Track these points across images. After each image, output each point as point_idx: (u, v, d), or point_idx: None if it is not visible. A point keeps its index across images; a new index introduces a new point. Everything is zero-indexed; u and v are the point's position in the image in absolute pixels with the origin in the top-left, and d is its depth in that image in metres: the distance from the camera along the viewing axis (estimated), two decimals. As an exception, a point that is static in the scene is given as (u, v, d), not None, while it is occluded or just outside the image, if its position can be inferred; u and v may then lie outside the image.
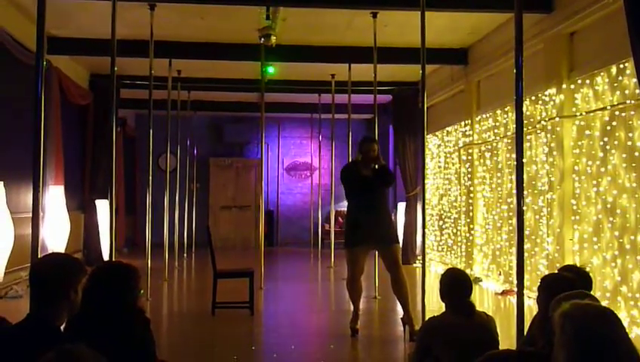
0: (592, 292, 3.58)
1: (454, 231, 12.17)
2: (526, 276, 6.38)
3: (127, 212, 15.80)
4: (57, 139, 10.39)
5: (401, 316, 6.75)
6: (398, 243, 6.89)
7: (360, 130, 16.96)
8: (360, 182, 6.71)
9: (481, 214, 10.85)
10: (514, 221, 8.27)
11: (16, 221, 7.78)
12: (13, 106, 8.82)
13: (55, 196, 10.07)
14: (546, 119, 8.23)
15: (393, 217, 14.58)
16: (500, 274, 9.92)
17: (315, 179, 17.41)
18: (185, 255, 13.69)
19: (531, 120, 8.76)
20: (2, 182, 7.55)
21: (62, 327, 2.78)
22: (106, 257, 9.13)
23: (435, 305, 6.56)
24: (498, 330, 3.90)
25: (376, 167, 6.77)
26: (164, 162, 11.34)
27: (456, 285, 3.84)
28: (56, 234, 9.85)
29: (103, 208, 11.82)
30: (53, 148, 10.17)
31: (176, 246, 12.34)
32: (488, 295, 9.40)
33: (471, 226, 11.09)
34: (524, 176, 5.33)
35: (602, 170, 7.09)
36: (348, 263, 6.78)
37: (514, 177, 4.58)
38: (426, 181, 6.90)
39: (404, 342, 6.44)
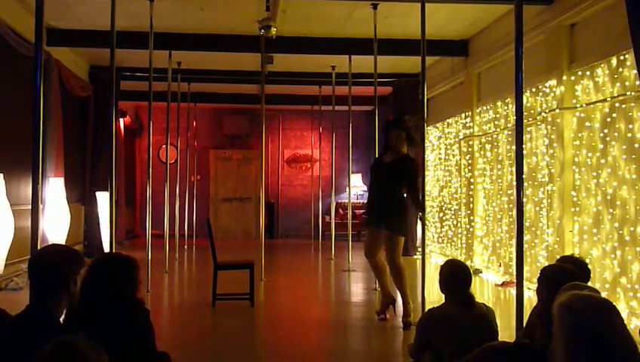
0: (590, 284, 3.59)
1: (455, 222, 12.18)
2: (526, 267, 6.38)
3: (128, 204, 15.81)
4: (58, 131, 10.38)
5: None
6: (403, 235, 6.95)
7: (361, 122, 16.98)
8: (378, 169, 7.01)
9: (482, 206, 10.85)
10: (514, 213, 8.29)
11: (17, 213, 7.79)
12: (13, 98, 8.82)
13: (55, 188, 10.07)
14: (547, 111, 8.22)
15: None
16: (500, 266, 9.94)
17: (315, 171, 17.41)
18: (185, 247, 13.71)
19: (532, 112, 8.75)
20: (2, 174, 7.55)
21: (61, 318, 2.79)
22: (106, 249, 9.15)
23: (435, 297, 6.57)
24: (498, 321, 3.91)
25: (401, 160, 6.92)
26: (164, 154, 11.33)
27: (456, 276, 3.85)
28: (56, 226, 9.86)
29: (103, 200, 11.83)
30: (54, 141, 10.16)
31: (176, 238, 12.35)
32: (488, 286, 9.42)
33: (471, 218, 11.09)
34: (525, 168, 5.34)
35: (602, 161, 7.08)
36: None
37: (514, 169, 4.58)
38: (426, 173, 6.91)
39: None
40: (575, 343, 2.06)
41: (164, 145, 11.90)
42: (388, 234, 6.79)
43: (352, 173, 12.19)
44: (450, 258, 10.15)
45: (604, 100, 7.05)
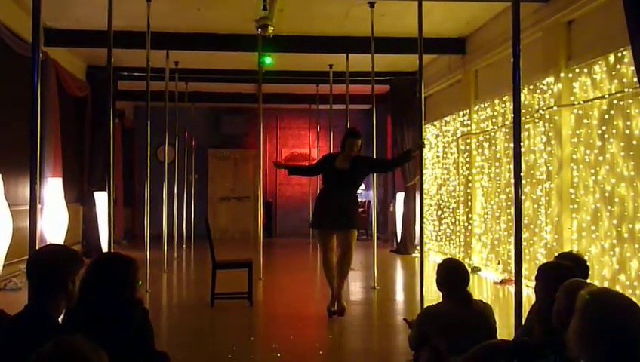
0: (589, 281, 3.59)
1: (453, 220, 12.18)
2: (524, 265, 6.38)
3: (126, 204, 15.80)
4: (55, 131, 10.37)
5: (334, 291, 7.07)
6: (355, 228, 7.23)
7: (358, 121, 16.94)
8: (333, 174, 7.15)
9: (480, 204, 10.86)
10: (512, 210, 8.30)
11: (15, 213, 7.78)
12: (11, 98, 8.80)
13: (53, 188, 10.06)
14: (544, 108, 8.23)
15: (392, 208, 14.64)
16: (498, 264, 9.94)
17: (313, 170, 17.39)
18: (184, 246, 13.70)
19: (529, 109, 8.76)
20: (0, 175, 7.54)
21: (60, 319, 2.79)
22: (104, 249, 9.14)
23: (433, 295, 6.56)
24: (497, 319, 3.91)
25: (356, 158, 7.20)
26: (162, 154, 11.33)
27: (454, 275, 3.85)
28: (54, 226, 9.85)
29: (101, 200, 11.81)
30: (52, 141, 10.15)
31: (175, 238, 12.33)
32: (487, 284, 9.43)
33: (469, 216, 11.10)
34: (523, 166, 5.34)
35: (600, 158, 7.09)
36: (320, 243, 7.22)
37: (512, 166, 4.58)
38: (424, 171, 6.91)
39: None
40: (594, 339, 2.04)
41: (162, 145, 11.88)
42: (343, 233, 7.04)
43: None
44: (448, 256, 10.17)
45: (602, 97, 7.05)
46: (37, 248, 4.00)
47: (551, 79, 8.05)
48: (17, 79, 8.57)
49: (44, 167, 9.78)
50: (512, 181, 4.53)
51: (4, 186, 7.63)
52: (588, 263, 3.92)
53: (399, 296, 9.12)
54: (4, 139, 8.66)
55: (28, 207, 4.19)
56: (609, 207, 6.92)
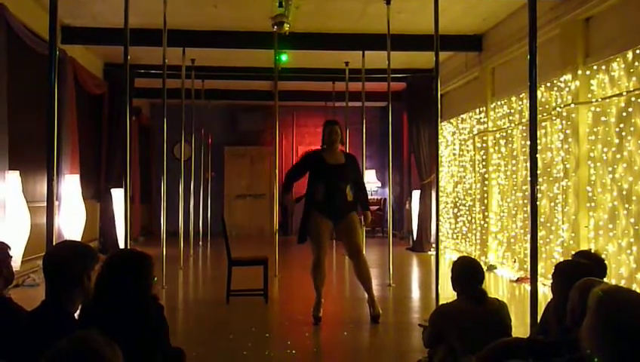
0: (607, 279, 3.55)
1: (469, 218, 12.13)
2: (541, 263, 6.36)
3: (143, 200, 15.88)
4: (73, 128, 10.45)
5: (367, 299, 6.87)
6: (356, 211, 6.87)
7: (374, 118, 16.95)
8: (327, 170, 6.81)
9: (496, 201, 10.80)
10: (529, 208, 8.25)
11: (33, 210, 7.85)
12: (29, 96, 8.88)
13: (71, 185, 10.14)
14: (562, 105, 8.17)
15: (407, 206, 14.61)
16: (514, 262, 9.89)
17: (329, 167, 17.36)
18: (200, 243, 13.74)
19: (546, 106, 8.70)
20: (18, 171, 7.61)
21: (76, 314, 2.81)
22: (121, 245, 9.20)
23: (448, 293, 6.54)
24: (513, 317, 3.89)
25: (345, 157, 7.06)
26: (178, 151, 11.37)
27: (468, 273, 3.84)
28: (72, 222, 9.93)
29: (118, 197, 11.89)
30: (69, 138, 10.23)
31: (191, 235, 12.37)
32: (503, 282, 9.38)
33: (485, 214, 11.05)
34: (540, 163, 5.32)
35: (618, 156, 7.03)
36: (314, 244, 6.72)
37: (529, 164, 4.55)
38: (440, 169, 6.88)
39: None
40: (608, 336, 2.03)
41: (178, 142, 11.92)
42: (349, 225, 6.69)
43: (366, 169, 12.16)
44: (464, 254, 10.13)
45: (620, 94, 6.99)
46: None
47: (568, 76, 7.99)
48: (35, 77, 8.65)
49: (61, 163, 9.86)
50: (529, 179, 4.50)
51: (22, 183, 7.70)
52: (605, 262, 3.89)
53: (415, 294, 9.10)
54: (23, 136, 8.72)
55: (45, 204, 4.22)
56: (626, 205, 6.86)
